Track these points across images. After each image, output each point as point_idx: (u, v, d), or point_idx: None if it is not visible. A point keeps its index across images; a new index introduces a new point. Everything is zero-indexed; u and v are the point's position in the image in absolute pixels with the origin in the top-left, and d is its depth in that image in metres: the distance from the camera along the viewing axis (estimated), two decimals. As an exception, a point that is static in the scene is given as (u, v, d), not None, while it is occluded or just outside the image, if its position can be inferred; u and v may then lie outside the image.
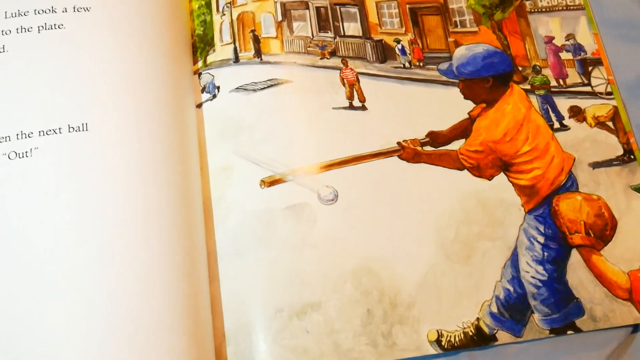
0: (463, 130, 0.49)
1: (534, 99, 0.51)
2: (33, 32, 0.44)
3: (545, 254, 0.46)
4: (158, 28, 0.48)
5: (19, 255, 0.39)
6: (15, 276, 0.38)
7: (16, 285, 0.38)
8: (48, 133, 0.41)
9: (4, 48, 0.43)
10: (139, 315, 0.39)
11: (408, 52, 0.54)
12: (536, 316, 0.44)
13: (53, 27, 0.44)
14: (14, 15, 0.44)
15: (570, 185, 0.48)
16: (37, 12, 0.44)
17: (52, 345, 0.37)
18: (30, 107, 0.42)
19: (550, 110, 0.51)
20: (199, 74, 0.51)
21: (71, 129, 0.41)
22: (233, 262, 0.45)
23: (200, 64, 0.52)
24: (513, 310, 0.44)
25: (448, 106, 0.50)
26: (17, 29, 0.43)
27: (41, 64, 0.43)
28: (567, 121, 0.50)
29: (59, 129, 0.41)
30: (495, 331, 0.44)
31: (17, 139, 0.41)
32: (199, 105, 0.50)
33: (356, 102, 0.51)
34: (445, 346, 0.43)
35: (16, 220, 0.39)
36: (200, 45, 0.53)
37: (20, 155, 0.41)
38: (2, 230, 0.39)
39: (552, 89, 0.52)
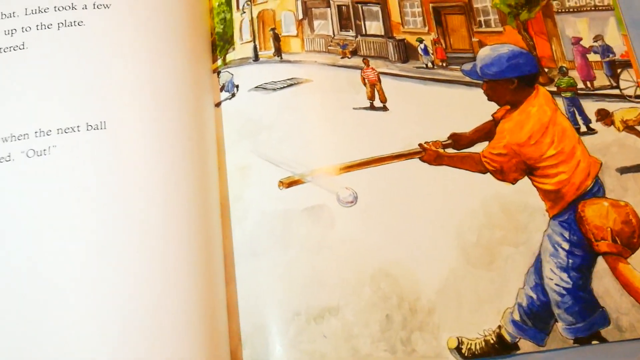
0: (486, 132, 0.49)
1: (560, 102, 0.50)
2: (53, 29, 0.44)
3: (570, 261, 0.45)
4: (177, 26, 0.48)
5: (37, 254, 0.39)
6: (34, 275, 0.39)
7: (33, 284, 0.39)
8: (66, 131, 0.41)
9: (23, 45, 0.43)
10: (154, 316, 0.39)
11: (431, 52, 0.54)
12: (560, 325, 0.44)
13: (73, 24, 0.44)
14: (33, 12, 0.44)
15: (596, 190, 0.47)
16: (57, 8, 0.44)
17: (68, 347, 0.38)
18: (49, 105, 0.42)
19: (576, 113, 0.50)
20: (218, 73, 0.51)
21: (89, 127, 0.41)
22: (250, 264, 0.45)
23: (219, 62, 0.52)
24: (536, 318, 0.44)
25: (471, 108, 0.50)
26: (36, 26, 0.44)
27: (60, 61, 0.43)
28: (594, 125, 0.50)
29: (77, 127, 0.41)
30: (517, 340, 0.43)
31: (36, 137, 0.41)
32: (218, 104, 0.50)
33: (377, 103, 0.50)
34: (466, 354, 0.43)
35: (34, 219, 0.40)
36: (220, 43, 0.53)
37: (39, 154, 0.41)
38: (21, 229, 0.40)
39: (579, 92, 0.51)
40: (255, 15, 0.54)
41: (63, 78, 0.43)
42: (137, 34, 0.45)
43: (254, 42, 0.53)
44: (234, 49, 0.52)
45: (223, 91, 0.50)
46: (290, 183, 0.46)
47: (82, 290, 0.38)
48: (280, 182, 0.46)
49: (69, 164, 0.41)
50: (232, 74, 0.51)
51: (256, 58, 0.52)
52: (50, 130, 0.41)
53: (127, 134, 0.42)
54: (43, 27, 0.44)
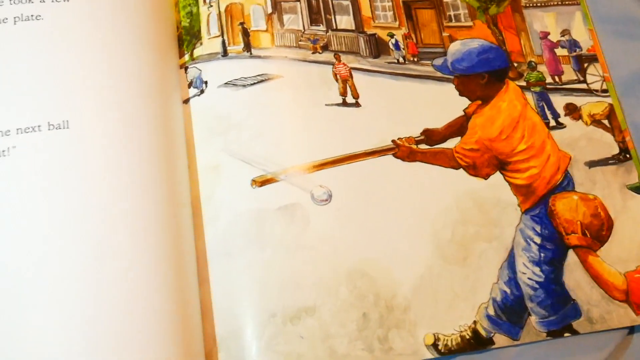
0: (459, 127, 0.49)
1: (529, 96, 0.50)
2: (9, 24, 0.42)
3: (542, 254, 0.45)
4: (141, 19, 0.46)
5: (3, 252, 0.38)
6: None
7: None
8: (27, 131, 0.40)
9: None
10: (124, 319, 0.38)
11: (402, 47, 0.53)
12: (533, 318, 0.44)
13: (30, 18, 0.42)
14: None
15: (566, 184, 0.47)
16: (12, 2, 0.42)
17: (36, 349, 0.36)
18: (7, 104, 0.40)
19: (546, 107, 0.50)
20: (186, 68, 0.50)
21: (51, 127, 0.40)
22: (224, 264, 0.44)
23: (186, 57, 0.51)
24: (510, 312, 0.44)
25: (443, 103, 0.50)
26: None
27: (18, 58, 0.41)
28: (563, 119, 0.50)
29: (39, 126, 0.40)
30: (492, 334, 0.43)
31: None
32: (186, 101, 0.49)
33: (350, 99, 0.50)
34: (442, 350, 0.43)
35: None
36: (187, 37, 0.52)
37: None
38: None
39: (547, 86, 0.51)
40: (223, 9, 0.53)
41: (21, 75, 0.41)
42: (98, 28, 0.43)
43: (222, 36, 0.52)
44: (201, 43, 0.52)
45: (191, 87, 0.49)
46: (264, 182, 0.46)
47: (47, 293, 0.37)
48: (253, 180, 0.46)
49: (31, 165, 0.39)
50: (200, 70, 0.50)
51: (225, 53, 0.51)
52: (9, 131, 0.39)
53: (92, 133, 0.40)
54: (0, 21, 0.42)
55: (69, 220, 0.38)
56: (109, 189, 0.40)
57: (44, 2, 0.42)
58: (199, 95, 0.49)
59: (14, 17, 0.42)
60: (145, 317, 0.38)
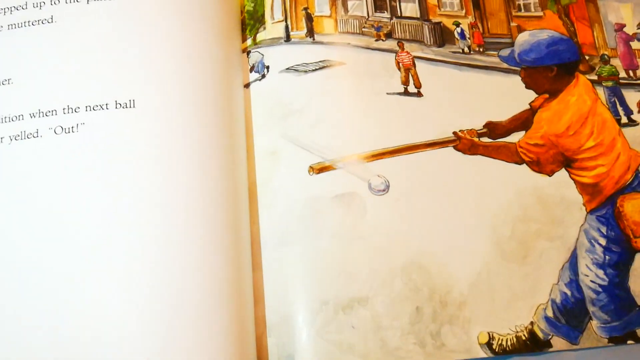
0: (523, 121, 0.48)
1: (600, 91, 0.49)
2: (82, 3, 0.44)
3: (607, 257, 0.45)
4: (207, 3, 0.48)
5: (63, 229, 0.40)
6: (62, 249, 0.39)
7: (61, 255, 0.39)
8: (95, 108, 0.42)
9: (52, 19, 0.44)
10: (180, 301, 0.39)
11: (468, 36, 0.53)
12: (594, 323, 0.43)
13: None
14: None
15: (636, 185, 0.46)
16: None
17: (93, 324, 0.38)
18: (78, 81, 0.42)
19: (618, 103, 0.50)
20: (248, 53, 0.52)
21: (118, 105, 0.42)
22: (277, 251, 0.45)
23: (249, 41, 0.52)
24: (570, 315, 0.44)
25: (508, 95, 0.49)
26: None
27: (89, 37, 0.43)
28: (636, 116, 0.49)
29: (106, 104, 0.42)
30: (550, 337, 0.43)
31: (64, 113, 0.42)
32: (247, 85, 0.50)
33: (411, 88, 0.50)
34: (497, 350, 0.42)
35: (61, 196, 0.40)
36: (250, 22, 0.53)
37: (67, 131, 0.41)
38: (48, 205, 0.40)
39: (620, 81, 0.51)
40: None
41: (92, 54, 0.43)
42: (167, 11, 0.45)
43: (286, 21, 0.53)
44: (264, 28, 0.53)
45: (252, 72, 0.51)
46: (321, 169, 0.46)
47: (108, 269, 0.39)
48: (311, 167, 0.46)
49: (97, 142, 0.41)
50: (263, 55, 0.51)
51: (288, 38, 0.52)
52: (79, 107, 0.42)
53: (156, 113, 0.42)
54: (72, 0, 0.44)
55: (131, 197, 0.40)
56: (171, 168, 0.41)
57: None
58: (260, 80, 0.50)
59: None
60: (200, 299, 0.40)
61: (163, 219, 0.40)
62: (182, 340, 0.38)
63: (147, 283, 0.39)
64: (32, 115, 0.41)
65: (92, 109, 0.41)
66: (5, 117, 0.42)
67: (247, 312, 0.42)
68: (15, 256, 0.39)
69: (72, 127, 0.41)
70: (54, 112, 0.41)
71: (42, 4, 0.44)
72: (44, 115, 0.41)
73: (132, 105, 0.42)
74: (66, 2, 0.44)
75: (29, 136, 0.41)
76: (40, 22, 0.44)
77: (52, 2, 0.44)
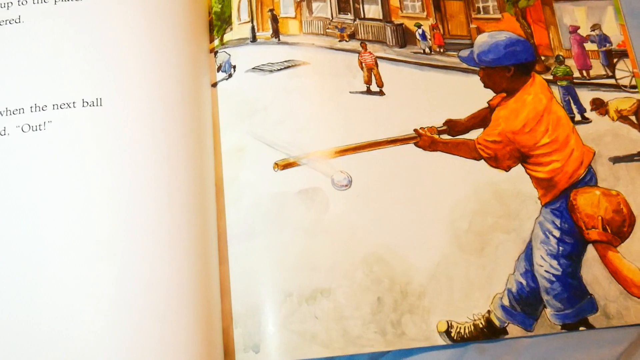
0: (482, 119, 0.49)
1: (555, 90, 0.51)
2: (49, 3, 0.44)
3: (561, 248, 0.46)
4: (176, 4, 0.48)
5: (30, 226, 0.40)
6: (27, 248, 0.39)
7: (28, 255, 0.39)
8: (62, 107, 0.42)
9: (19, 18, 0.44)
10: (148, 294, 0.39)
11: (429, 37, 0.54)
12: (548, 311, 0.45)
13: None
14: None
15: (589, 179, 0.48)
16: None
17: (64, 317, 0.38)
18: (45, 80, 0.42)
19: (571, 102, 0.51)
20: (215, 53, 0.52)
21: (85, 104, 0.42)
22: (243, 245, 0.45)
23: (216, 42, 0.52)
24: (525, 304, 0.45)
25: (467, 94, 0.50)
26: (33, 0, 0.44)
27: (57, 36, 0.43)
28: (589, 114, 0.50)
29: (73, 103, 0.42)
30: (506, 324, 0.44)
31: (31, 111, 0.42)
32: (214, 85, 0.50)
33: (374, 87, 0.51)
34: (455, 337, 0.43)
35: (28, 194, 0.40)
36: (217, 23, 0.53)
37: (34, 129, 0.41)
38: (14, 202, 0.40)
39: (574, 80, 0.52)
40: None
41: (59, 53, 0.43)
42: (133, 10, 0.45)
43: (252, 22, 0.53)
44: (231, 29, 0.53)
45: (220, 71, 0.51)
46: (286, 165, 0.47)
47: (75, 263, 0.39)
48: (276, 164, 0.47)
49: (65, 140, 0.41)
50: (230, 55, 0.51)
51: (254, 39, 0.53)
52: (46, 106, 0.42)
53: (123, 111, 0.42)
54: (39, 0, 0.44)
55: (99, 194, 0.40)
56: (138, 165, 0.41)
57: None
58: (227, 79, 0.50)
59: None
60: (168, 291, 0.40)
61: (130, 215, 0.40)
62: (151, 333, 0.39)
63: (115, 276, 0.39)
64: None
65: (59, 107, 0.42)
66: None
67: (214, 304, 0.43)
68: None
69: (40, 125, 0.41)
70: (22, 110, 0.41)
71: (10, 4, 0.44)
72: (12, 113, 0.41)
73: (99, 104, 0.42)
74: (34, 3, 0.44)
75: None
76: (7, 22, 0.43)
77: (20, 3, 0.44)
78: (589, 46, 0.53)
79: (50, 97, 0.42)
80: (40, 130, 0.41)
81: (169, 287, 0.40)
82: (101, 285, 0.39)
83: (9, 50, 0.43)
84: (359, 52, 0.52)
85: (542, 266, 0.46)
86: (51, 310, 0.38)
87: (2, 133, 0.41)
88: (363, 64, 0.52)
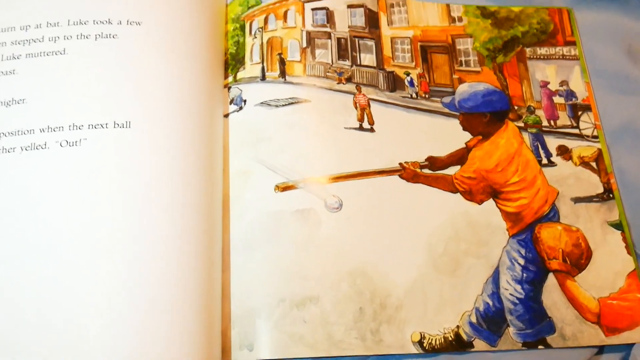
0: (459, 158, 0.52)
1: (526, 136, 0.54)
2: (90, 39, 0.48)
3: (524, 274, 0.48)
4: (197, 45, 0.51)
5: (62, 229, 0.42)
6: (58, 247, 0.42)
7: (59, 257, 0.41)
8: (96, 127, 0.45)
9: (64, 51, 0.47)
10: (158, 294, 0.42)
11: (416, 84, 0.56)
12: (511, 330, 0.47)
13: (108, 36, 0.48)
14: (75, 23, 0.48)
15: (552, 215, 0.50)
16: (95, 22, 0.48)
17: (77, 312, 0.40)
18: (83, 103, 0.45)
19: (540, 147, 0.54)
20: (229, 88, 0.54)
21: (116, 125, 0.45)
22: (244, 255, 0.47)
23: (230, 79, 0.55)
24: (490, 322, 0.47)
25: (448, 135, 0.53)
26: (77, 35, 0.48)
27: (95, 67, 0.47)
28: (555, 158, 0.53)
29: (106, 124, 0.45)
30: (472, 339, 0.46)
31: (69, 129, 0.44)
32: (226, 115, 0.53)
33: (366, 125, 0.53)
34: (427, 348, 0.46)
35: (63, 200, 0.43)
36: (232, 62, 0.56)
37: (71, 144, 0.44)
38: (51, 207, 0.43)
39: (543, 129, 0.55)
40: (265, 40, 0.57)
41: (96, 81, 0.46)
42: (162, 49, 0.49)
43: (263, 64, 0.56)
44: (244, 68, 0.55)
45: (232, 104, 0.53)
46: (285, 188, 0.49)
47: (98, 263, 0.41)
48: (276, 186, 0.49)
49: (97, 155, 0.44)
50: (241, 90, 0.54)
51: (263, 78, 0.55)
52: (83, 125, 0.45)
53: (149, 134, 0.45)
54: (82, 37, 0.48)
55: (123, 203, 0.43)
56: (157, 182, 0.44)
57: (120, 24, 0.48)
58: (237, 111, 0.53)
59: (96, 34, 0.48)
60: (178, 293, 0.42)
61: (148, 224, 0.43)
62: (157, 330, 0.40)
63: (131, 276, 0.41)
64: (41, 130, 0.44)
65: (94, 127, 0.44)
66: (18, 131, 0.44)
67: (216, 307, 0.45)
68: (19, 252, 0.41)
69: (76, 142, 0.44)
70: (61, 128, 0.44)
71: (57, 38, 0.47)
72: (52, 130, 0.44)
73: (128, 126, 0.45)
74: (77, 38, 0.47)
75: (37, 148, 0.44)
76: (54, 53, 0.47)
77: (65, 37, 0.47)
78: (557, 99, 0.56)
79: (86, 118, 0.45)
80: (76, 145, 0.44)
81: (178, 289, 0.42)
82: (119, 284, 0.41)
83: (54, 76, 0.46)
84: (354, 94, 0.55)
85: (507, 290, 0.48)
86: (65, 299, 0.40)
87: (44, 147, 0.44)
88: (357, 104, 0.54)
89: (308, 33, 0.58)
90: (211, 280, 0.45)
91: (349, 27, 0.59)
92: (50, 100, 0.46)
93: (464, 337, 0.47)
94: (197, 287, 0.43)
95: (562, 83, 0.57)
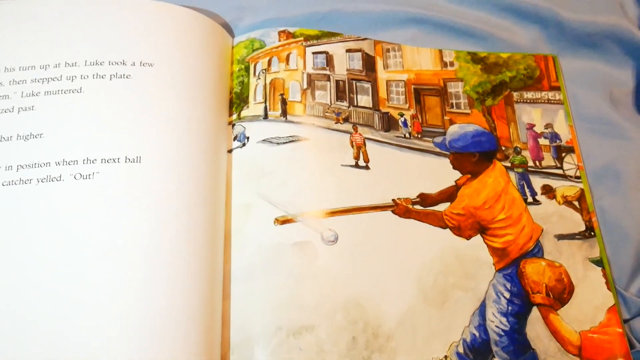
0: (449, 195, 0.54)
1: (512, 175, 0.55)
2: (106, 79, 0.50)
3: (510, 307, 0.50)
4: (205, 85, 0.53)
5: (75, 255, 0.43)
6: (74, 277, 0.43)
7: (71, 282, 0.43)
8: (109, 161, 0.46)
9: (80, 89, 0.49)
10: (164, 322, 0.43)
11: (409, 124, 0.58)
12: None
13: (122, 76, 0.50)
14: (91, 63, 0.51)
15: (536, 251, 0.52)
16: (110, 63, 0.51)
17: (85, 341, 0.41)
18: (96, 138, 0.47)
19: (525, 186, 0.55)
20: (233, 125, 0.56)
21: (127, 160, 0.46)
22: (244, 285, 0.48)
23: (235, 117, 0.56)
24: (477, 353, 0.48)
25: (438, 174, 0.55)
26: (93, 75, 0.50)
27: (108, 105, 0.49)
28: (540, 197, 0.55)
29: (118, 158, 0.46)
30: None
31: (83, 163, 0.46)
32: (230, 151, 0.54)
33: (361, 162, 0.55)
34: None
35: (75, 229, 0.45)
36: (237, 101, 0.57)
37: (85, 177, 0.46)
38: (62, 234, 0.44)
39: (529, 169, 0.56)
40: (268, 82, 0.59)
41: (110, 118, 0.48)
42: (172, 89, 0.51)
43: (265, 103, 0.57)
44: (248, 107, 0.57)
45: (235, 140, 0.55)
46: (284, 221, 0.50)
47: (109, 291, 0.43)
48: (276, 219, 0.50)
49: (109, 188, 0.46)
50: (245, 127, 0.55)
51: (266, 116, 0.56)
52: (96, 159, 0.46)
53: (158, 169, 0.47)
54: (98, 76, 0.50)
55: (132, 234, 0.45)
56: (164, 213, 0.46)
57: (134, 65, 0.51)
58: (240, 147, 0.54)
59: (111, 75, 0.50)
60: (181, 320, 0.43)
61: (154, 253, 0.44)
62: (161, 357, 0.41)
63: (138, 304, 0.43)
64: (57, 163, 0.46)
65: (106, 161, 0.46)
66: (35, 164, 0.46)
67: (216, 334, 0.46)
68: (32, 280, 0.42)
69: (90, 175, 0.45)
70: (76, 162, 0.46)
71: (74, 77, 0.49)
72: (67, 164, 0.46)
73: (138, 161, 0.46)
74: (93, 78, 0.49)
75: (53, 180, 0.45)
76: (71, 91, 0.48)
77: (82, 77, 0.49)
78: (542, 141, 0.58)
79: (99, 152, 0.46)
80: (89, 179, 0.45)
81: (181, 316, 0.43)
82: (124, 309, 0.42)
83: (70, 113, 0.48)
84: (350, 133, 0.56)
85: (493, 322, 0.49)
86: (77, 330, 0.41)
87: (59, 179, 0.45)
88: (353, 143, 0.56)
89: (309, 75, 0.59)
90: (212, 308, 0.47)
91: (347, 70, 0.60)
92: (66, 135, 0.47)
93: (452, 366, 0.48)
94: (199, 315, 0.45)
95: (547, 126, 0.59)
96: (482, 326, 0.49)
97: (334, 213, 0.51)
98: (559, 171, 0.57)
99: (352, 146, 0.56)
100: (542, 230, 0.53)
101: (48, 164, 0.46)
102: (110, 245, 0.44)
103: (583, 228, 0.54)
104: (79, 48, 0.51)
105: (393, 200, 0.53)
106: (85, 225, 0.45)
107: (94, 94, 0.49)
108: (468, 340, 0.49)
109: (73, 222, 0.45)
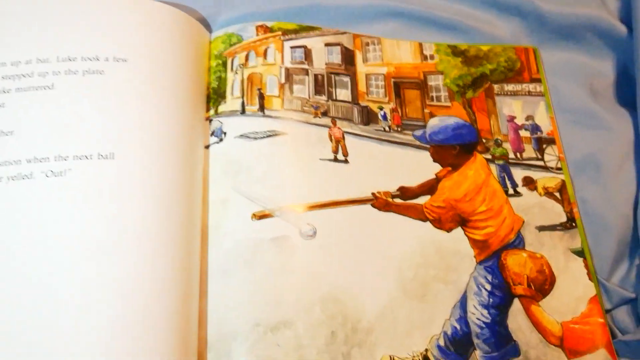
0: (429, 188, 0.54)
1: (493, 167, 0.56)
2: (78, 75, 0.49)
3: (491, 299, 0.50)
4: (181, 80, 0.53)
5: (45, 253, 0.43)
6: (44, 275, 0.42)
7: (41, 280, 0.42)
8: (81, 158, 0.46)
9: (53, 85, 0.49)
10: (140, 319, 0.43)
11: (389, 118, 0.58)
12: (478, 353, 0.49)
13: (95, 72, 0.50)
14: (63, 59, 0.50)
15: (518, 243, 0.52)
16: (83, 59, 0.50)
17: (58, 339, 0.41)
18: (69, 135, 0.47)
19: (506, 178, 0.56)
20: (210, 120, 0.56)
21: (100, 156, 0.46)
22: (221, 281, 0.48)
23: (212, 112, 0.56)
24: (458, 345, 0.49)
25: (418, 166, 0.55)
26: (65, 71, 0.49)
27: (81, 101, 0.48)
28: (520, 189, 0.55)
29: (91, 155, 0.46)
30: None
31: (55, 160, 0.46)
32: (207, 146, 0.54)
33: (340, 156, 0.55)
34: None
35: (47, 227, 0.44)
36: (214, 96, 0.57)
37: (56, 174, 0.45)
38: (35, 233, 0.44)
39: (509, 160, 0.57)
40: (245, 76, 0.58)
41: (83, 115, 0.48)
42: (147, 84, 0.50)
43: (243, 98, 0.57)
44: (225, 102, 0.57)
45: (212, 136, 0.55)
46: (262, 216, 0.50)
47: (79, 288, 0.42)
48: (254, 214, 0.50)
49: (81, 185, 0.45)
50: (222, 123, 0.55)
51: (243, 111, 0.56)
52: (68, 156, 0.46)
53: (131, 165, 0.46)
54: (70, 72, 0.49)
55: (106, 232, 0.45)
56: (139, 210, 0.46)
57: (107, 61, 0.50)
58: (218, 142, 0.54)
59: (83, 71, 0.50)
60: (156, 318, 0.43)
61: (129, 251, 0.44)
62: (135, 354, 0.41)
63: (112, 302, 0.43)
64: (28, 160, 0.45)
65: (79, 158, 0.45)
66: (5, 161, 0.45)
67: (193, 331, 0.46)
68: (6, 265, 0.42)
69: (61, 172, 0.45)
70: (47, 159, 0.45)
71: (46, 73, 0.49)
72: (38, 161, 0.45)
73: (112, 157, 0.46)
74: (65, 74, 0.49)
75: (24, 177, 0.44)
76: (42, 87, 0.48)
77: (54, 73, 0.49)
78: (523, 133, 0.58)
79: (71, 149, 0.46)
80: (61, 176, 0.45)
81: (156, 313, 0.43)
82: (101, 307, 0.42)
83: (42, 110, 0.47)
84: (329, 127, 0.56)
85: (474, 314, 0.50)
86: (49, 330, 0.40)
87: (29, 177, 0.45)
88: (332, 137, 0.56)
89: (286, 69, 0.59)
90: (189, 305, 0.46)
91: (325, 64, 0.61)
92: (37, 132, 0.47)
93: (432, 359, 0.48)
94: (175, 312, 0.45)
95: (528, 117, 0.59)
96: (463, 319, 0.50)
97: (313, 207, 0.51)
98: (540, 162, 0.57)
99: (331, 140, 0.56)
100: (523, 222, 0.53)
101: (18, 162, 0.46)
102: (82, 243, 0.44)
103: (564, 219, 0.54)
104: (52, 44, 0.51)
105: (372, 193, 0.53)
106: (56, 223, 0.45)
107: (66, 90, 0.49)
108: (449, 333, 0.49)
109: (44, 220, 0.44)
